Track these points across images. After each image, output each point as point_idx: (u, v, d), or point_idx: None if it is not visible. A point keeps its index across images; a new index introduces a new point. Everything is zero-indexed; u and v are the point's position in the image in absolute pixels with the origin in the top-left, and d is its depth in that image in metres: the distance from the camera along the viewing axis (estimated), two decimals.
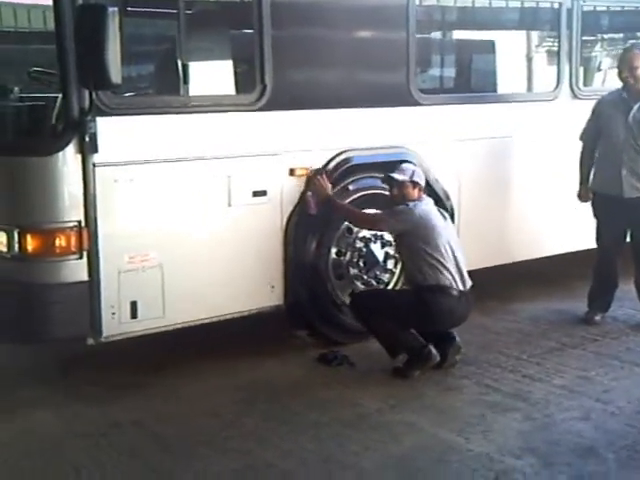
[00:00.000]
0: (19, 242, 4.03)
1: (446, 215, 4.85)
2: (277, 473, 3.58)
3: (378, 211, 4.91)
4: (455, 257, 4.63)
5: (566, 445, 3.78)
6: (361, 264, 5.12)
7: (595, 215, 5.57)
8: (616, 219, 5.40)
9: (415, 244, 4.58)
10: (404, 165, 4.83)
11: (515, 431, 3.93)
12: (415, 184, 4.72)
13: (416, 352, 4.61)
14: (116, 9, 3.81)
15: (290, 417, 4.10)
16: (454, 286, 4.59)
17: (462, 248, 4.73)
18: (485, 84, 6.40)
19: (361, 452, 3.73)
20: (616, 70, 5.44)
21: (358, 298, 4.82)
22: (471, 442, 3.81)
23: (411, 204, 4.67)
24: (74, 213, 4.06)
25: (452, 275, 4.59)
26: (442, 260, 4.56)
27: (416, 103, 5.25)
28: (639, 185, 5.32)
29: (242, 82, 4.81)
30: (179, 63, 4.32)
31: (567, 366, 4.76)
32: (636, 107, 5.29)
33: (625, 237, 5.53)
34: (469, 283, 4.70)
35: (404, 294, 4.70)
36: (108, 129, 4.07)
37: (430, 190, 5.16)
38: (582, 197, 5.62)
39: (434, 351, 4.62)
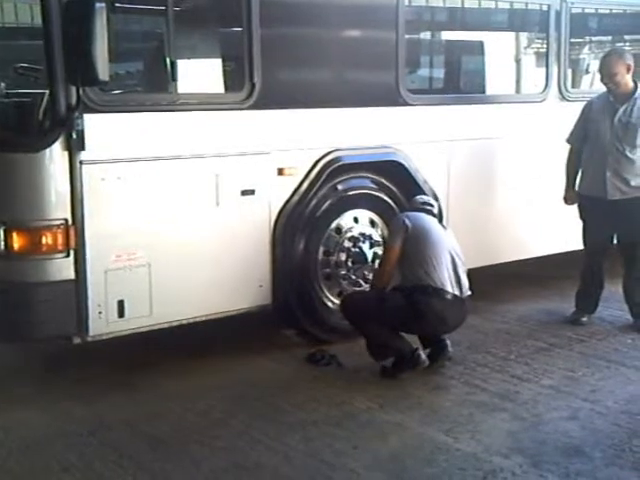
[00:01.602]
0: (5, 240, 4.00)
1: (446, 226, 4.86)
2: (266, 472, 3.57)
3: None
4: (454, 263, 4.62)
5: (554, 444, 3.79)
6: (349, 264, 5.12)
7: (581, 217, 5.59)
8: (601, 221, 5.42)
9: (409, 246, 4.57)
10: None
11: (503, 431, 3.93)
12: None
13: (406, 356, 4.60)
14: (104, 5, 3.79)
15: (278, 416, 4.09)
16: (448, 289, 4.56)
17: (463, 258, 4.71)
18: (474, 85, 6.42)
19: (349, 451, 3.72)
20: (599, 76, 5.45)
21: (348, 300, 4.80)
22: (459, 442, 3.81)
23: (403, 213, 4.82)
24: (61, 211, 4.04)
25: (448, 279, 4.57)
26: (437, 262, 4.54)
27: (405, 103, 5.25)
28: (623, 187, 5.34)
29: (231, 80, 4.79)
30: (167, 60, 4.29)
31: (554, 366, 4.77)
32: (622, 110, 5.32)
33: (611, 239, 5.55)
34: (467, 292, 4.68)
35: (395, 296, 4.65)
36: (95, 126, 4.04)
37: (418, 191, 5.17)
38: (568, 200, 5.64)
39: (423, 356, 4.61)
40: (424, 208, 4.79)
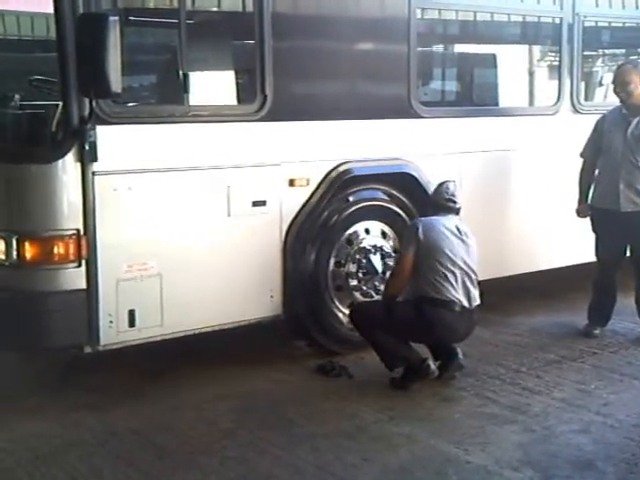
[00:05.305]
0: (17, 249, 4.03)
1: (465, 231, 4.70)
2: None
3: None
4: (465, 275, 4.59)
5: (565, 458, 3.76)
6: (360, 275, 5.12)
7: (593, 229, 5.57)
8: (614, 233, 5.41)
9: (420, 257, 4.56)
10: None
11: (514, 444, 3.91)
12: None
13: (415, 366, 4.59)
14: (117, 18, 3.82)
15: (288, 427, 4.08)
16: (457, 301, 4.54)
17: (476, 266, 4.67)
18: (486, 97, 6.43)
19: (359, 464, 3.71)
20: (612, 86, 5.48)
21: (358, 310, 4.80)
22: (469, 454, 3.79)
23: (418, 219, 4.76)
24: (73, 221, 4.06)
25: (457, 290, 4.55)
26: (447, 276, 4.52)
27: (417, 115, 5.26)
28: (636, 199, 5.33)
29: (243, 92, 4.84)
30: (180, 73, 4.32)
31: (566, 379, 4.74)
32: (634, 122, 5.32)
33: (624, 251, 5.53)
34: (476, 302, 4.66)
35: (404, 306, 4.65)
36: (108, 138, 4.08)
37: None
38: (580, 213, 5.64)
39: (433, 366, 4.60)
40: (447, 205, 4.72)
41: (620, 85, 5.32)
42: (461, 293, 4.57)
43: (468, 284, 4.62)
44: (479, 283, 4.73)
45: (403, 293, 4.68)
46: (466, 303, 4.59)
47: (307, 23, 4.87)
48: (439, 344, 4.72)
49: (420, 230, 4.58)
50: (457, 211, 4.77)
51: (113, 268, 4.18)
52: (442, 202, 4.75)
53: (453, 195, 4.77)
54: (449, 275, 4.54)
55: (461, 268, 4.58)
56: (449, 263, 4.55)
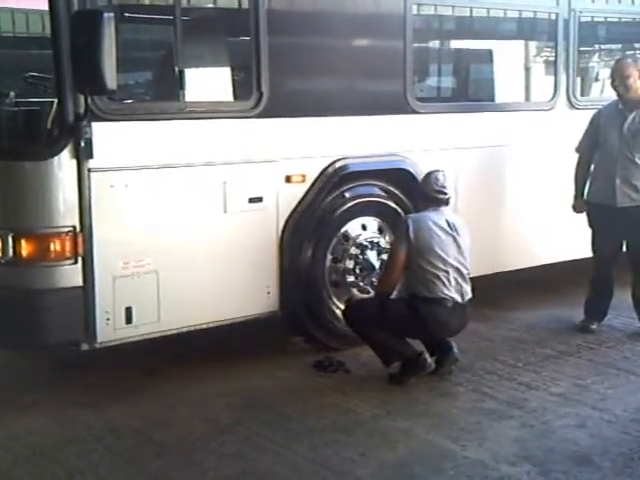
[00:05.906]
0: (13, 247, 4.02)
1: (456, 224, 4.66)
2: (272, 479, 3.56)
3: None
4: (457, 270, 4.58)
5: (562, 453, 3.77)
6: (357, 271, 5.12)
7: (590, 225, 5.58)
8: (610, 229, 5.41)
9: (411, 256, 4.56)
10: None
11: (511, 438, 3.91)
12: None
13: (411, 360, 4.60)
14: (112, 15, 3.81)
15: (286, 423, 4.09)
16: (449, 298, 4.55)
17: (468, 261, 4.67)
18: (482, 93, 6.42)
19: (356, 459, 3.71)
20: (610, 80, 5.48)
21: (351, 308, 4.80)
22: (467, 449, 3.79)
23: (408, 217, 4.72)
24: (69, 218, 4.06)
25: (449, 288, 4.55)
26: (438, 274, 4.52)
27: (413, 111, 5.26)
28: (632, 194, 5.33)
29: (239, 89, 4.82)
30: (176, 69, 4.31)
31: (563, 374, 4.75)
32: (631, 117, 5.32)
33: (621, 246, 5.53)
34: (468, 296, 4.66)
35: (398, 304, 4.66)
36: (104, 134, 4.07)
37: None
38: (577, 209, 5.64)
39: (429, 360, 4.61)
40: (437, 197, 4.67)
41: (619, 79, 5.32)
42: (453, 290, 4.58)
43: (460, 280, 4.62)
44: (471, 279, 4.74)
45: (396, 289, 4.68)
46: (459, 299, 4.60)
47: (303, 19, 4.86)
48: (433, 339, 4.73)
49: (410, 229, 4.56)
50: (447, 202, 4.75)
51: (109, 265, 4.17)
52: (432, 194, 4.70)
53: (443, 186, 4.72)
54: (441, 274, 4.54)
55: (452, 265, 4.58)
56: (440, 263, 4.54)
